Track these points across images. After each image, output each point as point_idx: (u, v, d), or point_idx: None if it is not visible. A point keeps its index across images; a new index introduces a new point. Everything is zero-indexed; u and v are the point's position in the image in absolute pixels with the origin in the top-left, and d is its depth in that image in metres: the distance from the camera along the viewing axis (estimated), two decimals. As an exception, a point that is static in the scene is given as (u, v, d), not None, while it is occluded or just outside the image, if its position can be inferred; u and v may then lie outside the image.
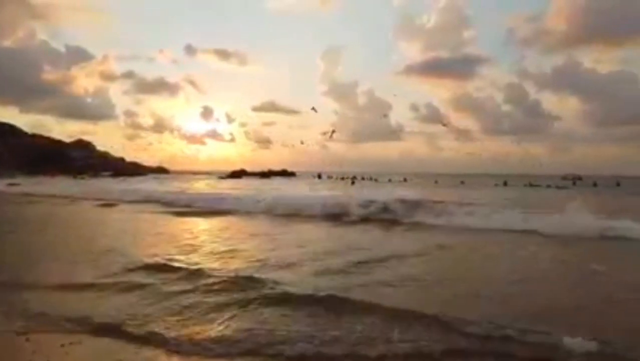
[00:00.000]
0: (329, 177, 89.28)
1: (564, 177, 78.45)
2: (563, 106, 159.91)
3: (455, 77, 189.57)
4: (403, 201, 18.95)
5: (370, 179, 79.14)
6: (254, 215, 19.46)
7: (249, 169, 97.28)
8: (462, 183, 68.77)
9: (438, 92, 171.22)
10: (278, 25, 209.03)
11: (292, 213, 19.37)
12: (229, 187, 47.54)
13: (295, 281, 7.44)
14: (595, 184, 60.00)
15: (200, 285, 7.18)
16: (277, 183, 62.41)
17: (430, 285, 7.48)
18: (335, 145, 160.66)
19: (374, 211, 18.44)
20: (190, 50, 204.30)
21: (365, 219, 17.58)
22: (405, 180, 74.20)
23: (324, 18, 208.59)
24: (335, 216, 18.29)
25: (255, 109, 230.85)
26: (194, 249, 10.69)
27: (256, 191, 32.47)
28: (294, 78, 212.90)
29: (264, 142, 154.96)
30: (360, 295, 6.53)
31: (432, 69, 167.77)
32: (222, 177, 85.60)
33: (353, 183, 69.81)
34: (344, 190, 35.65)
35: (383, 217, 17.77)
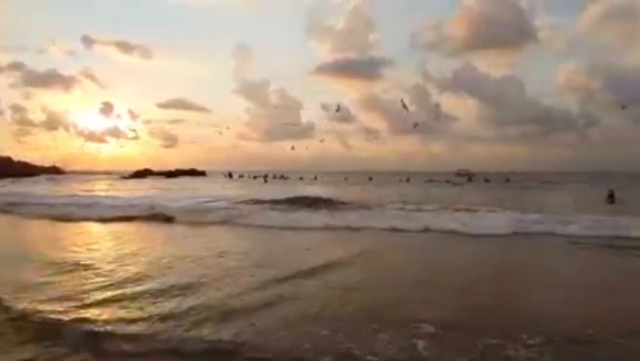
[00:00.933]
0: (240, 176, 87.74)
1: (457, 174, 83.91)
2: (461, 108, 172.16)
3: (363, 78, 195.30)
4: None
5: (282, 177, 78.94)
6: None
7: (154, 168, 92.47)
8: (370, 179, 71.10)
9: (348, 92, 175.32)
10: (186, 19, 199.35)
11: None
12: (129, 188, 44.77)
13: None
14: (487, 180, 64.81)
15: None
16: (183, 183, 59.92)
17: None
18: (247, 144, 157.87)
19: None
20: (87, 41, 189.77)
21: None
22: (315, 178, 74.96)
23: (235, 15, 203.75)
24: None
25: (161, 106, 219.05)
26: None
27: (145, 193, 30.93)
28: (204, 75, 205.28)
29: (170, 141, 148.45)
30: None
31: (342, 69, 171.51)
32: (124, 178, 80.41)
33: (266, 181, 69.15)
34: (257, 189, 35.08)
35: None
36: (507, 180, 64.00)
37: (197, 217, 17.68)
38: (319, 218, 16.90)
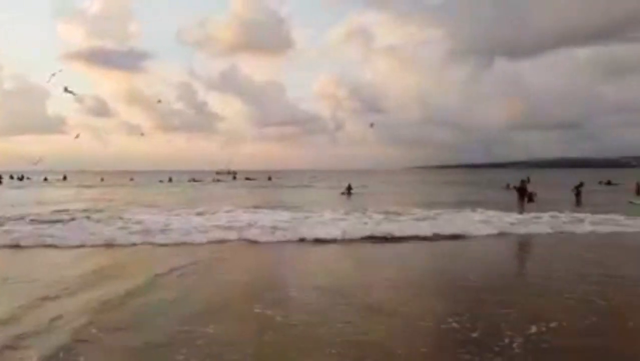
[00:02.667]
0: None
1: (218, 172, 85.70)
2: (228, 107, 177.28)
3: (124, 70, 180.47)
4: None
5: (21, 178, 65.66)
6: None
7: None
8: (132, 179, 65.94)
9: (104, 84, 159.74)
10: None
11: None
12: None
13: None
14: (248, 179, 68.01)
15: None
16: None
17: None
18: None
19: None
20: None
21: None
22: (65, 178, 65.16)
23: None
24: None
25: None
26: None
27: None
28: None
29: None
30: None
31: (98, 59, 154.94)
32: None
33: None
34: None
35: None
36: (269, 178, 68.36)
37: None
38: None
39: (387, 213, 17.21)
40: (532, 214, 15.89)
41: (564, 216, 15.73)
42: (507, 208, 17.68)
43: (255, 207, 20.86)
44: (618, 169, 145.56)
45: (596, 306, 6.18)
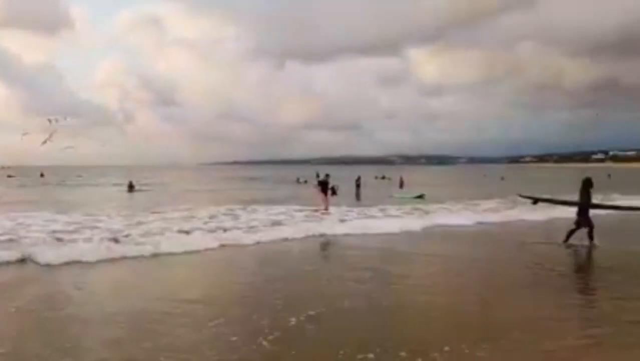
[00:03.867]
0: None
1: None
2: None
3: None
4: None
5: None
6: None
7: None
8: None
9: None
10: None
11: None
12: None
13: None
14: (10, 176, 55.53)
15: None
16: None
17: None
18: None
19: None
20: None
21: None
22: None
23: None
24: None
25: None
26: None
27: None
28: None
29: None
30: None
31: None
32: None
33: None
34: None
35: None
36: (42, 175, 57.60)
37: None
38: None
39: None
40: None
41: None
42: (306, 203, 17.68)
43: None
44: (387, 165, 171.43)
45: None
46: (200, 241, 9.82)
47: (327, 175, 17.55)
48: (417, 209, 17.35)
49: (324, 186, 17.00)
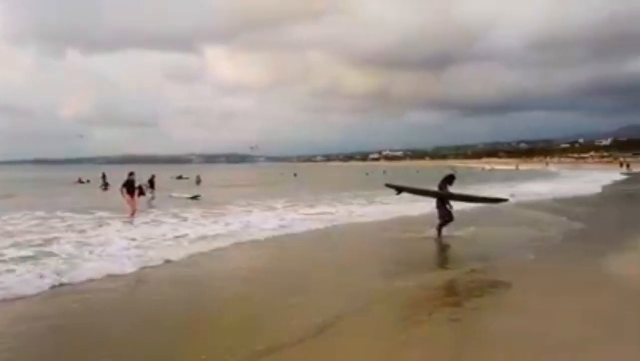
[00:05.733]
0: None
1: None
2: None
3: None
4: None
5: None
6: None
7: None
8: None
9: None
10: None
11: None
12: None
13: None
14: None
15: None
16: None
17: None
18: None
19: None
20: None
21: None
22: None
23: None
24: None
25: None
26: None
27: None
28: None
29: None
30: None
31: None
32: None
33: None
34: None
35: None
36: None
37: None
38: None
39: None
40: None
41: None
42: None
43: None
44: (184, 165, 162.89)
45: None
46: None
47: (133, 172, 14.39)
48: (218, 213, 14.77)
49: (129, 186, 14.02)
